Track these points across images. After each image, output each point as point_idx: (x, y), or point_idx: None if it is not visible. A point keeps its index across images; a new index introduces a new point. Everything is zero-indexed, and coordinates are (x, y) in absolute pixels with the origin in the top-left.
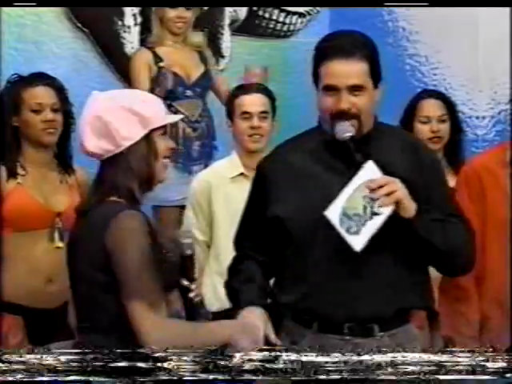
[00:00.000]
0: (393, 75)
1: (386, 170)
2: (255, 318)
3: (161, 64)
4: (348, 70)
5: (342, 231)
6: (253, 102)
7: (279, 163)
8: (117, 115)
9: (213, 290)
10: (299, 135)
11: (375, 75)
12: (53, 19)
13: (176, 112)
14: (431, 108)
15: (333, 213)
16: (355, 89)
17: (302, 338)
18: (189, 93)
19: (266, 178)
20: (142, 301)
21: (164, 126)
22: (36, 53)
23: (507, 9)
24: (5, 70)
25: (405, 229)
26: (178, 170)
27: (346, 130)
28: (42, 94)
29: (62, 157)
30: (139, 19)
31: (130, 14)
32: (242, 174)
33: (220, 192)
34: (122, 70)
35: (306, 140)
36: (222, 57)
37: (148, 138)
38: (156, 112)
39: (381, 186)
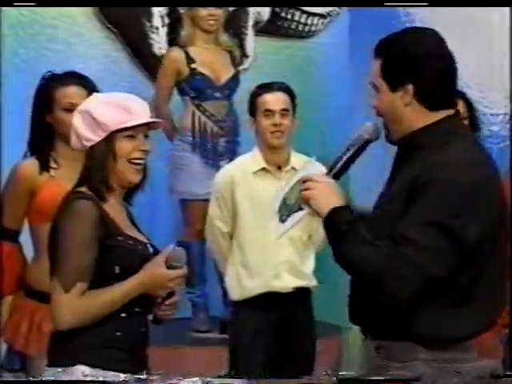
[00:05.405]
0: None
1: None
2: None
3: (193, 65)
4: None
5: (276, 216)
6: (275, 100)
7: None
8: (81, 119)
9: (237, 280)
10: None
11: None
12: (85, 20)
13: (204, 111)
14: None
15: (276, 200)
16: None
17: None
18: (217, 94)
19: None
20: (59, 280)
21: (128, 129)
22: (69, 53)
23: None
24: (39, 70)
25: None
26: (207, 166)
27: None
28: (73, 94)
29: None
30: (167, 20)
31: (158, 15)
32: (263, 168)
33: (243, 185)
34: (150, 69)
35: None
36: (246, 56)
37: (108, 139)
38: (117, 116)
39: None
